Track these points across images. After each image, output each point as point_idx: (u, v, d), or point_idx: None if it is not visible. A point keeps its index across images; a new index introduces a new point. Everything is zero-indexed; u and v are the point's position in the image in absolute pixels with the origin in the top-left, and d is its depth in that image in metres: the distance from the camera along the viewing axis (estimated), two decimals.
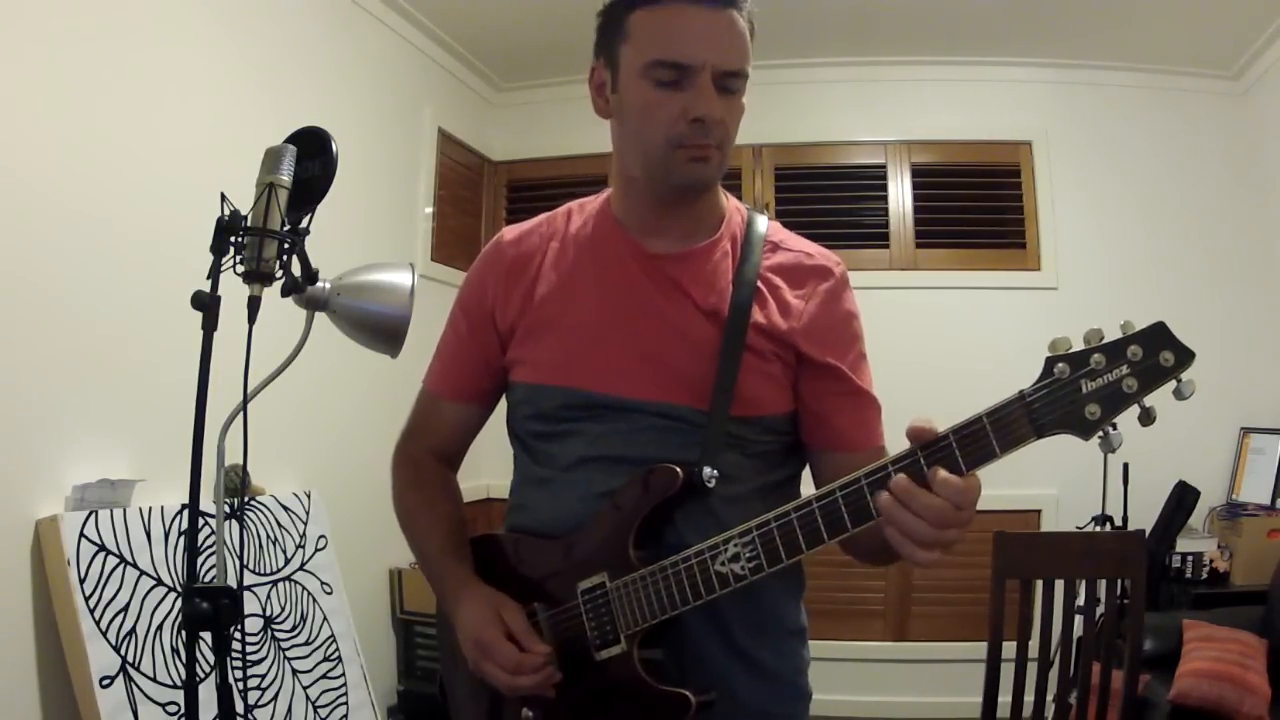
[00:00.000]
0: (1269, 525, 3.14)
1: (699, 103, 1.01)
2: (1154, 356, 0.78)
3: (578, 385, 1.10)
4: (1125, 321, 0.80)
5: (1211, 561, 3.16)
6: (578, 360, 1.10)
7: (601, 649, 1.04)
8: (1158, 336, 0.79)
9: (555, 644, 1.06)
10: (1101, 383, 0.79)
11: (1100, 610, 2.06)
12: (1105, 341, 0.80)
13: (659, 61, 1.02)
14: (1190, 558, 3.17)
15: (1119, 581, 2.29)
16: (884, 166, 3.91)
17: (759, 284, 1.10)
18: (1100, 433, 0.80)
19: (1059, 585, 2.08)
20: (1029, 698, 2.02)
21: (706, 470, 1.02)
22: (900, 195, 3.89)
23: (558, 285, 1.14)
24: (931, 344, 3.70)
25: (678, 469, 1.02)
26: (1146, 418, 0.79)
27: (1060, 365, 0.81)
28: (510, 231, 1.22)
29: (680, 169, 1.06)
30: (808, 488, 1.16)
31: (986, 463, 0.84)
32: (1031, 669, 2.00)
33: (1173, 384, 0.79)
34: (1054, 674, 2.03)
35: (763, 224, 1.16)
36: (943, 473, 0.83)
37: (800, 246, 1.16)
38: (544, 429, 1.14)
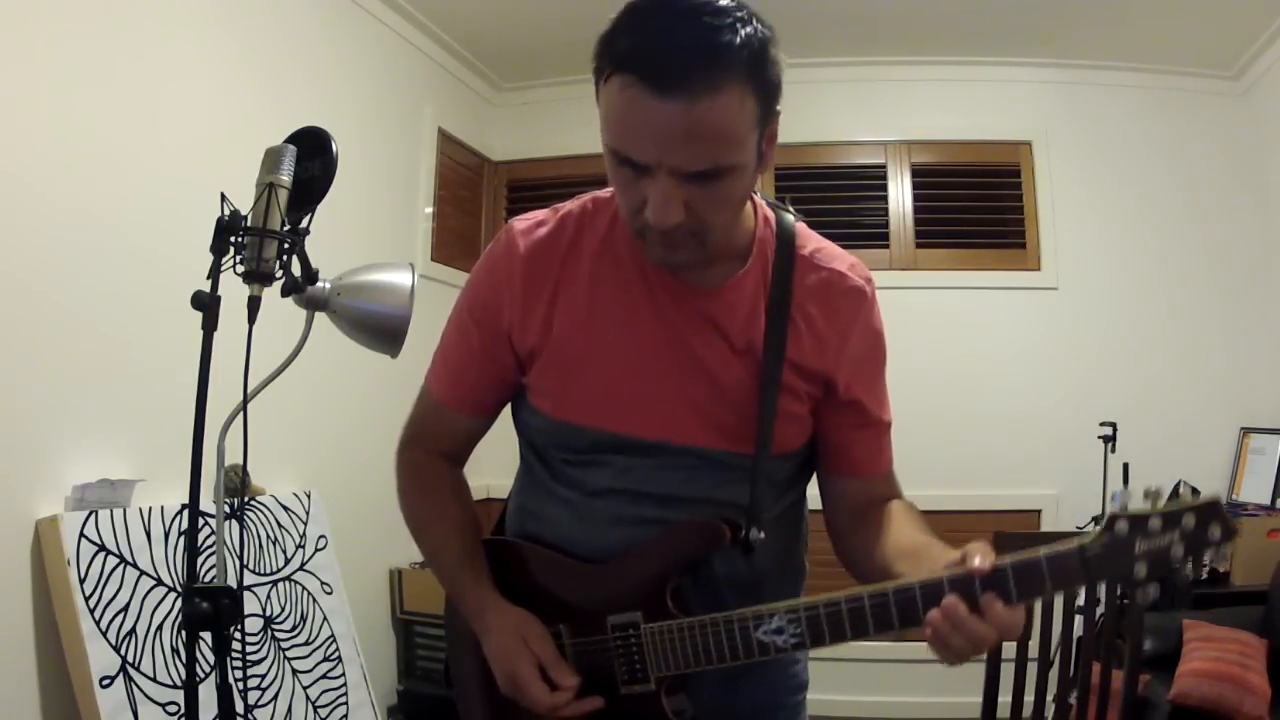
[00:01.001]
0: (1269, 525, 3.13)
1: (653, 207, 0.91)
2: (1204, 530, 0.84)
3: (609, 428, 1.06)
4: (1182, 484, 0.87)
5: (1211, 561, 3.16)
6: (608, 402, 1.07)
7: (629, 684, 1.03)
8: (1211, 511, 0.84)
9: (579, 671, 1.05)
10: (1154, 546, 0.84)
11: (1100, 610, 2.05)
12: (1165, 508, 0.85)
13: (614, 151, 0.92)
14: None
15: None
16: (884, 166, 3.91)
17: (793, 312, 1.06)
18: (1140, 588, 0.86)
19: None
20: (1029, 698, 2.02)
21: (754, 532, 1.02)
22: (900, 195, 3.89)
23: (581, 313, 1.07)
24: (931, 344, 3.70)
25: (725, 528, 1.02)
26: (1185, 582, 0.86)
27: (1120, 524, 0.85)
28: (522, 236, 1.10)
29: (651, 252, 1.00)
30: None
31: (1033, 599, 0.88)
32: (1031, 669, 2.00)
33: (1211, 551, 0.85)
34: (1054, 674, 2.03)
35: (791, 233, 1.09)
36: (999, 605, 0.85)
37: (832, 263, 1.10)
38: (569, 457, 1.11)
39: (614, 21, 0.90)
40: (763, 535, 1.03)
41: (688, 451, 1.06)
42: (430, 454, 1.21)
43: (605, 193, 1.11)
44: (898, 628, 0.90)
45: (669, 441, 1.06)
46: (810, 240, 1.11)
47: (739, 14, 0.87)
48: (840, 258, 1.11)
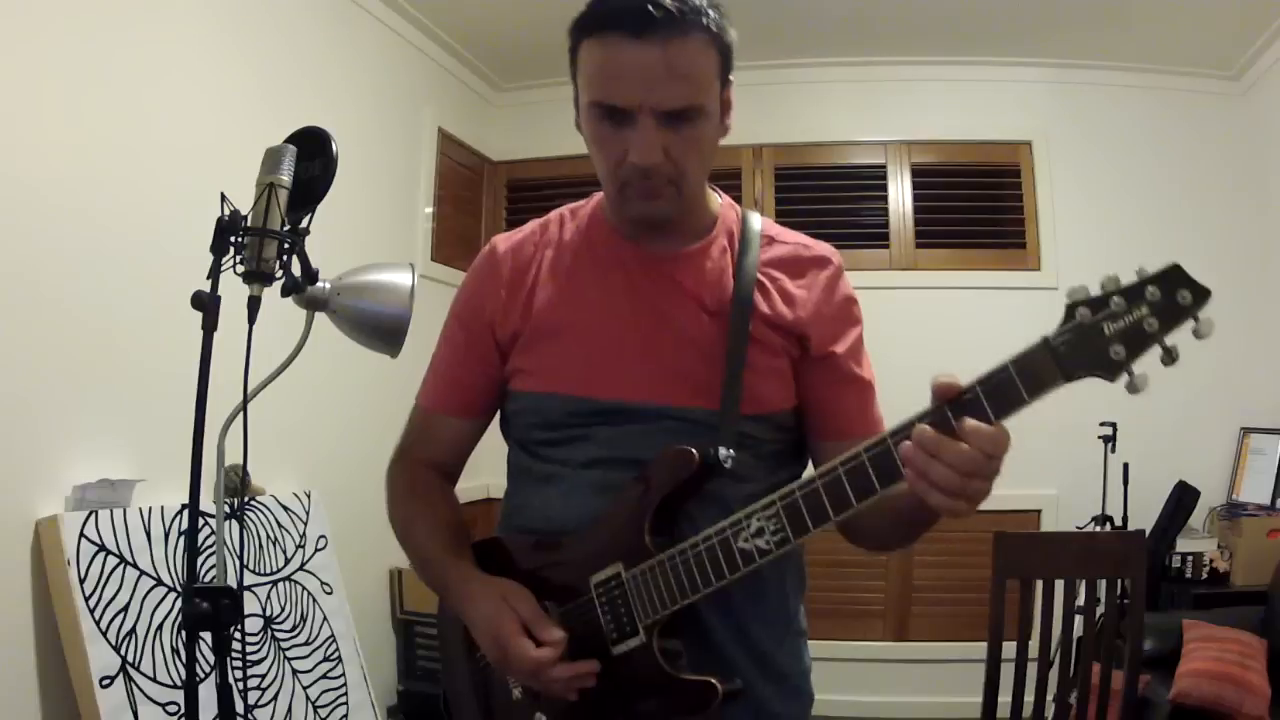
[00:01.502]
0: (1269, 525, 3.14)
1: (637, 148, 0.99)
2: (1172, 296, 0.79)
3: (585, 393, 1.08)
4: (1140, 266, 0.81)
5: (1211, 561, 3.17)
6: (584, 368, 1.09)
7: (619, 642, 1.01)
8: (1174, 277, 0.80)
9: (569, 640, 1.03)
10: (1123, 324, 0.80)
11: (1100, 610, 2.06)
12: (1123, 285, 0.81)
13: (596, 103, 1.00)
14: (1190, 558, 3.17)
15: (1119, 581, 2.29)
16: (884, 166, 3.92)
17: (760, 276, 1.10)
18: (1126, 373, 0.81)
19: (1059, 585, 2.08)
20: (1029, 698, 2.02)
21: (722, 451, 1.01)
22: (900, 195, 3.89)
23: (558, 292, 1.12)
24: (931, 344, 3.68)
25: (693, 450, 1.00)
26: (1169, 357, 0.80)
27: (1081, 309, 0.82)
28: (503, 242, 1.19)
29: (632, 206, 1.05)
30: None
31: (1015, 411, 0.83)
32: (1031, 669, 2.00)
33: (1191, 323, 0.79)
34: (1054, 674, 2.03)
35: (757, 220, 1.16)
36: (971, 421, 0.82)
37: (796, 239, 1.17)
38: (550, 436, 1.11)
39: (586, 6, 1.01)
40: (732, 453, 1.01)
41: (667, 413, 1.06)
42: (421, 464, 1.22)
43: (580, 202, 1.20)
44: (879, 487, 0.88)
45: (648, 403, 1.06)
46: (774, 226, 1.18)
47: None
48: (803, 238, 1.18)
